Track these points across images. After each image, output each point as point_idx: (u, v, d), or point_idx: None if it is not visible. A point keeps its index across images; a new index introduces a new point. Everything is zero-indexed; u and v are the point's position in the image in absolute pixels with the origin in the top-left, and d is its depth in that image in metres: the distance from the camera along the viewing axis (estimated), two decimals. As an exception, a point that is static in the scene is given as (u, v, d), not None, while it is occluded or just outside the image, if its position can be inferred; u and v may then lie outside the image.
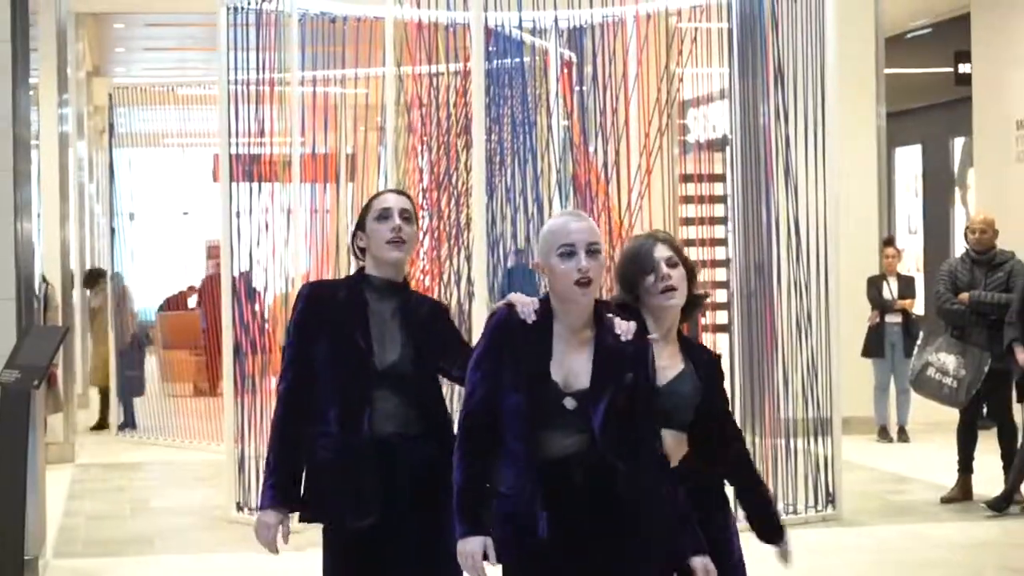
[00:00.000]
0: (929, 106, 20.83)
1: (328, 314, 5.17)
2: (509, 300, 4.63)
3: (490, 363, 4.58)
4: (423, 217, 11.18)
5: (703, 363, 4.99)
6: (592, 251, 4.51)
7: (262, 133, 11.51)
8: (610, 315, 4.61)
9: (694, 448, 4.86)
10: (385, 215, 5.22)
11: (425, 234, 11.19)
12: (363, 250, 5.29)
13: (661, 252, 4.90)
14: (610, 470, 4.49)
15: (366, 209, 5.29)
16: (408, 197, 5.38)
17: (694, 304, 5.03)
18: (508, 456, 4.53)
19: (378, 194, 5.40)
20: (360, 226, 5.29)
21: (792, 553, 5.19)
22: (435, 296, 10.13)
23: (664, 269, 4.88)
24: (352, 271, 5.39)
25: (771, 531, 5.20)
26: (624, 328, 4.57)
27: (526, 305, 4.59)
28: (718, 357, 5.12)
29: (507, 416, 4.52)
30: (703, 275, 11.60)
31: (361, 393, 5.09)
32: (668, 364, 4.89)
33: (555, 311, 4.58)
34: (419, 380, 5.17)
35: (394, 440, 5.08)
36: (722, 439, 5.00)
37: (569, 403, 4.50)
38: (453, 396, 8.73)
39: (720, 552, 4.90)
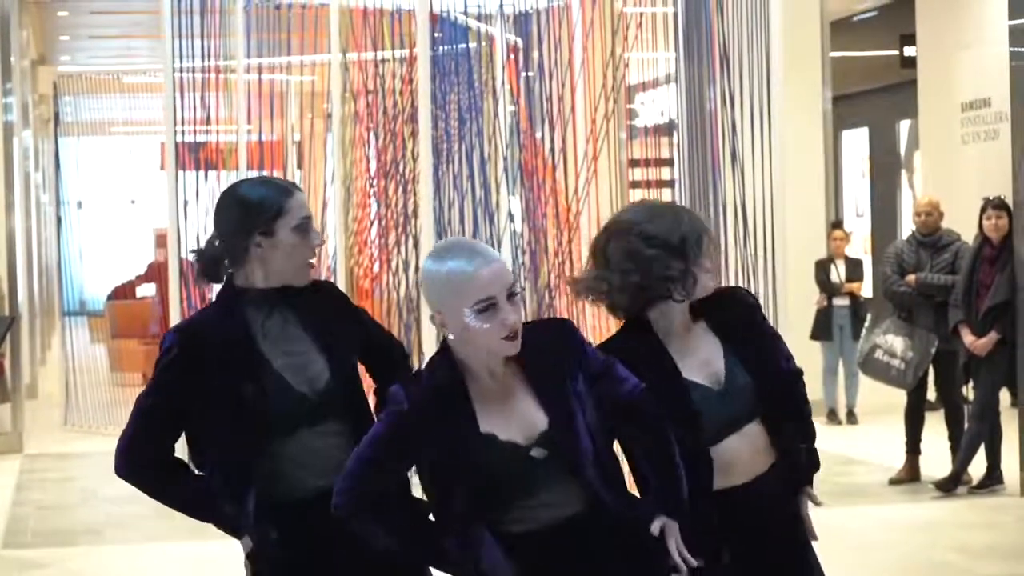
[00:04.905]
0: (875, 89, 20.91)
1: (208, 372, 3.99)
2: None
3: (392, 454, 3.64)
4: (370, 205, 11.17)
5: (739, 328, 4.01)
6: (513, 295, 3.54)
7: (208, 121, 11.52)
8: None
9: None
10: (306, 226, 4.02)
11: (373, 222, 11.18)
12: (250, 255, 4.00)
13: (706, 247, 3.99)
14: (614, 524, 3.64)
15: (273, 212, 3.97)
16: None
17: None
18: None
19: (287, 190, 4.06)
20: (263, 229, 3.96)
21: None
22: (383, 284, 10.07)
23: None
24: None
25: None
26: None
27: None
28: (754, 305, 4.12)
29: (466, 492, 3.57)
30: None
31: (251, 448, 4.02)
32: (710, 352, 3.99)
33: (466, 364, 3.60)
34: (354, 406, 4.09)
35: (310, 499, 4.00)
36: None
37: (538, 452, 3.58)
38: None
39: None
